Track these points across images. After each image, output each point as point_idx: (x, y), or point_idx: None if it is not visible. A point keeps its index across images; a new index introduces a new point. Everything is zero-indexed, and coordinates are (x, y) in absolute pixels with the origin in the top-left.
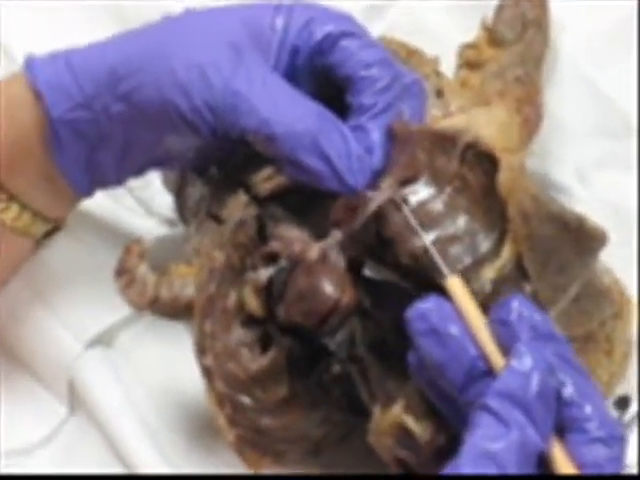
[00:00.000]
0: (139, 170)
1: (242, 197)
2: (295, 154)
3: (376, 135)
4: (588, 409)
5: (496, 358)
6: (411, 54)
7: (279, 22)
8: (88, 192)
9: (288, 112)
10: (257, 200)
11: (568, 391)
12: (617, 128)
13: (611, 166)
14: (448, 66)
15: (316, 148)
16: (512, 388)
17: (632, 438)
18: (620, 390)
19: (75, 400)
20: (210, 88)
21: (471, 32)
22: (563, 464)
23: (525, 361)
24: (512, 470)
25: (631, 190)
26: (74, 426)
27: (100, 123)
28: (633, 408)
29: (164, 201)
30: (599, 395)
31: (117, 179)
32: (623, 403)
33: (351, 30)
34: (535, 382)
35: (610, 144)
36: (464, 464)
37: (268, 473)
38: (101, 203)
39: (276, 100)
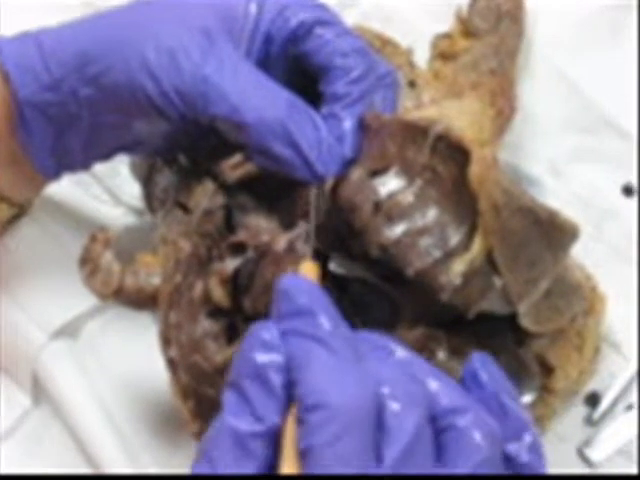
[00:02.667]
0: (107, 154)
1: (209, 185)
2: (265, 142)
3: (348, 124)
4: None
5: None
6: (384, 44)
7: (253, 9)
8: (54, 176)
9: (258, 99)
10: (225, 188)
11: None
12: (590, 122)
13: (584, 160)
14: (421, 57)
15: (286, 136)
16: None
17: (604, 434)
18: (590, 386)
19: (39, 392)
20: (180, 73)
21: (445, 23)
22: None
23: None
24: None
25: (602, 184)
26: (38, 418)
27: (68, 106)
28: (603, 405)
29: (132, 190)
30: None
31: (84, 163)
32: (593, 400)
33: (326, 18)
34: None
35: (583, 138)
36: None
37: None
38: (68, 191)
39: (247, 87)
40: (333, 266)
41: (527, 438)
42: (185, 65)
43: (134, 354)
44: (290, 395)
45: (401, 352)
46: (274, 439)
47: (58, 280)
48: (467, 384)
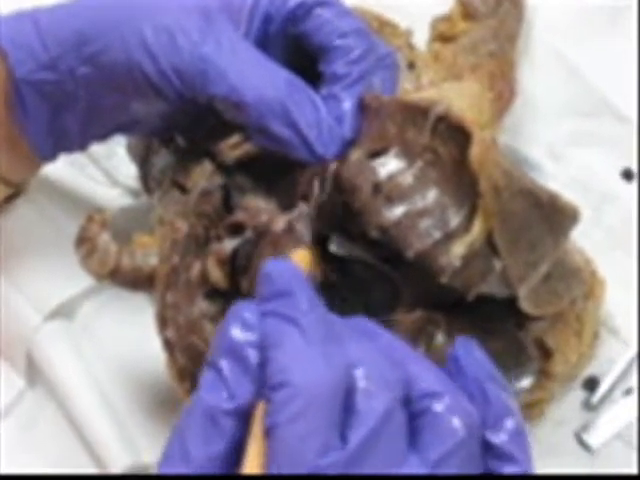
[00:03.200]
0: (104, 135)
1: (208, 166)
2: (264, 122)
3: (348, 105)
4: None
5: None
6: (383, 25)
7: None
8: (51, 156)
9: (257, 79)
10: (223, 169)
11: None
12: (590, 106)
13: (583, 144)
14: (421, 39)
15: (285, 116)
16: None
17: (602, 419)
18: (589, 371)
19: (34, 373)
20: (178, 52)
21: (444, 5)
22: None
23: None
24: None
25: (602, 168)
26: (32, 399)
27: (65, 85)
28: (601, 390)
29: (128, 171)
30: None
31: (81, 143)
32: (592, 384)
33: None
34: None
35: (582, 122)
36: None
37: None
38: (64, 172)
39: (245, 66)
40: (333, 247)
41: (508, 425)
42: (183, 44)
43: (130, 336)
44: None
45: (384, 337)
46: (245, 418)
47: (54, 261)
48: (451, 370)
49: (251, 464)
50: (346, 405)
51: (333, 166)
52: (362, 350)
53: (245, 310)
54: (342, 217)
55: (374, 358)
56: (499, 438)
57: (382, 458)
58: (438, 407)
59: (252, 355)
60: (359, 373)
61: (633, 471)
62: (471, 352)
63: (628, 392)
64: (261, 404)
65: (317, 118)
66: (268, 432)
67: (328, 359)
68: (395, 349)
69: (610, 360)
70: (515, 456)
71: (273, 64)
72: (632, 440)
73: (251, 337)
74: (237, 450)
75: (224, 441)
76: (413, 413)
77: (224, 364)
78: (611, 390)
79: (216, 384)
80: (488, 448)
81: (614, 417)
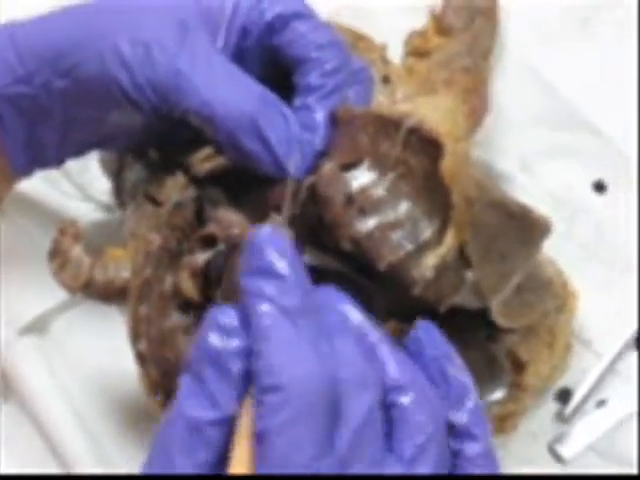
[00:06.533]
0: (80, 149)
1: (180, 178)
2: (235, 137)
3: (321, 115)
4: None
5: None
6: (358, 39)
7: (229, 1)
8: (26, 171)
9: (230, 94)
10: (196, 182)
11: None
12: (561, 118)
13: (555, 156)
14: (395, 53)
15: (256, 131)
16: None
17: (575, 431)
18: (561, 383)
19: (7, 389)
20: (154, 66)
21: (419, 19)
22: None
23: None
24: None
25: (574, 180)
26: (7, 415)
27: (41, 99)
28: (574, 401)
29: (102, 186)
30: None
31: (57, 158)
32: (564, 396)
33: (302, 11)
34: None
35: (554, 134)
36: None
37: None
38: (37, 187)
39: (219, 81)
40: (307, 258)
41: (468, 405)
42: (159, 58)
43: (102, 349)
44: (248, 373)
45: (355, 316)
46: (230, 425)
47: (27, 276)
48: (411, 351)
49: (239, 467)
50: (332, 407)
51: (308, 181)
52: (345, 347)
53: (222, 315)
54: (315, 228)
55: (355, 357)
56: (461, 418)
57: (366, 459)
58: (405, 400)
59: (233, 362)
60: (343, 373)
61: (633, 471)
62: (430, 333)
63: (601, 403)
64: (247, 405)
65: (288, 135)
66: (258, 436)
67: (318, 361)
68: (365, 330)
69: (583, 372)
70: (475, 433)
71: (247, 78)
72: (605, 451)
73: (231, 344)
74: (223, 457)
75: (210, 450)
76: (387, 403)
77: (205, 373)
78: (584, 402)
79: (198, 393)
80: (449, 427)
81: (587, 429)
